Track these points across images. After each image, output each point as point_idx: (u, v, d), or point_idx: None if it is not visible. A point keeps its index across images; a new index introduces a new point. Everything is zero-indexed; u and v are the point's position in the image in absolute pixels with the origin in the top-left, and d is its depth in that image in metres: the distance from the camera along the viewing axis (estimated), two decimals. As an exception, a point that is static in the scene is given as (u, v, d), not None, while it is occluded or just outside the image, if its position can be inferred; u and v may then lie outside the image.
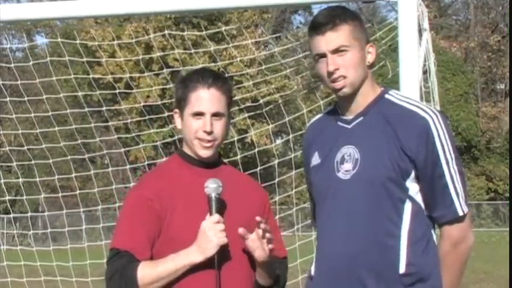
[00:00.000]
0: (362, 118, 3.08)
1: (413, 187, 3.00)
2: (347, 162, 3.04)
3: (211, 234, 2.95)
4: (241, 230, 2.99)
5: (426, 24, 5.30)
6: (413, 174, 2.98)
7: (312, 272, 3.17)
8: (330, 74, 3.03)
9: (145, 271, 2.95)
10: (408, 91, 4.46)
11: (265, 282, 3.15)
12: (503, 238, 27.38)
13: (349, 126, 3.10)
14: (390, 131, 2.99)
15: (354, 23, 3.05)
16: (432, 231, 3.06)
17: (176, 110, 3.14)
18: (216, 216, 2.98)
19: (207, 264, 2.98)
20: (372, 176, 2.97)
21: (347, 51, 3.02)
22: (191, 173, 3.11)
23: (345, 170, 3.04)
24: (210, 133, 3.07)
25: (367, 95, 3.09)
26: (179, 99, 3.11)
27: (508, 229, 28.77)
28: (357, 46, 3.03)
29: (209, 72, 3.15)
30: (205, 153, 3.10)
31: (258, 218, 2.99)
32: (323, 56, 3.04)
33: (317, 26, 3.05)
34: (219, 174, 3.11)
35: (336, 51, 3.02)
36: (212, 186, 3.02)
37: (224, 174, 3.14)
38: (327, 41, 3.03)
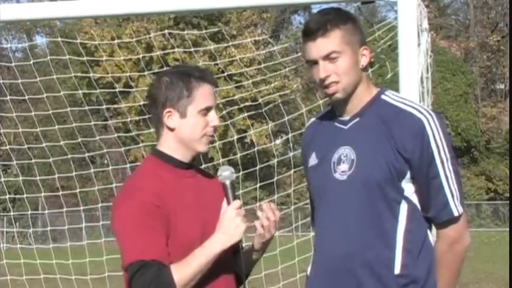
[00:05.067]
0: (358, 119, 3.09)
1: (408, 188, 3.00)
2: (344, 163, 3.05)
3: (238, 220, 2.97)
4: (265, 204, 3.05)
5: (425, 24, 5.31)
6: (408, 175, 2.99)
7: (308, 272, 3.18)
8: (322, 80, 3.04)
9: (181, 272, 2.89)
10: (408, 91, 4.48)
11: (249, 267, 3.20)
12: (503, 238, 27.40)
13: (345, 127, 3.11)
14: (385, 132, 3.00)
15: (346, 27, 3.04)
16: (429, 232, 3.07)
17: (170, 109, 3.05)
18: (238, 202, 3.01)
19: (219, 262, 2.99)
20: (367, 177, 2.98)
21: (338, 57, 3.02)
22: (176, 175, 3.06)
23: (342, 171, 3.05)
24: (216, 128, 3.10)
25: (362, 97, 3.09)
26: (178, 97, 3.03)
27: (508, 229, 28.77)
28: (348, 51, 3.03)
29: (205, 69, 3.15)
30: (207, 149, 3.11)
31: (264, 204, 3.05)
32: (316, 62, 3.05)
33: (308, 32, 3.06)
34: (195, 175, 3.12)
35: (327, 57, 3.03)
36: (226, 174, 3.05)
37: (197, 174, 3.15)
38: (318, 47, 3.03)
